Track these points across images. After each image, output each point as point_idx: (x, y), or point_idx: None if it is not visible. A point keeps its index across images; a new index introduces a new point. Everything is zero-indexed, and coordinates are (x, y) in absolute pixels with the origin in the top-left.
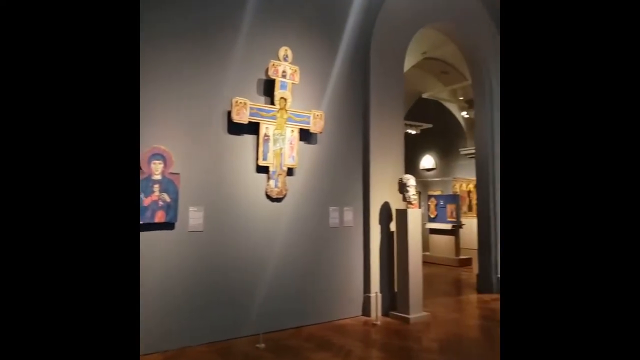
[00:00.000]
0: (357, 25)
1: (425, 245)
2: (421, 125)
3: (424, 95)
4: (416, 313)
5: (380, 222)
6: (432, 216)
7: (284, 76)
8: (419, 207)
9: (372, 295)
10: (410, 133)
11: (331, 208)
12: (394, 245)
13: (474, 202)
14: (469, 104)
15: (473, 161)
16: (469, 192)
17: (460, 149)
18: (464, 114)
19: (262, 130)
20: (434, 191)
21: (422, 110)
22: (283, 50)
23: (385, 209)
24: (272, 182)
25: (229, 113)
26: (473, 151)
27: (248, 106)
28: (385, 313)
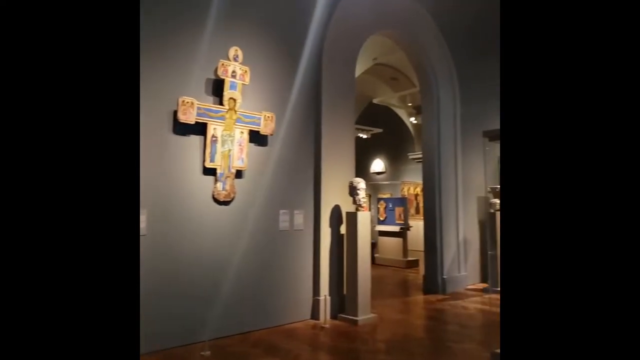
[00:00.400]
0: (310, 29)
1: (375, 247)
2: (372, 130)
3: (375, 101)
4: (364, 315)
5: (331, 225)
6: (381, 219)
7: (233, 76)
8: (369, 210)
9: (321, 298)
10: (361, 137)
11: (281, 211)
12: (343, 248)
13: (421, 204)
14: (417, 110)
15: (420, 165)
16: (417, 195)
17: (408, 154)
18: (413, 119)
19: (210, 131)
20: (384, 194)
21: (372, 115)
22: (233, 50)
23: (336, 212)
24: (219, 185)
25: (175, 113)
26: (421, 156)
27: (195, 106)
28: (334, 316)
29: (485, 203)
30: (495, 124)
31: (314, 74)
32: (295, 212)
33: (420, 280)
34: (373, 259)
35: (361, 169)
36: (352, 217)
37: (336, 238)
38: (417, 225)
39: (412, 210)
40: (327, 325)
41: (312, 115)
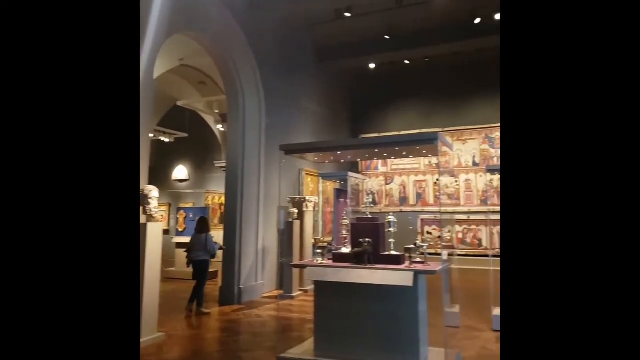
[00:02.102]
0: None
1: (171, 261)
2: (176, 134)
3: (179, 103)
4: (149, 335)
5: None
6: (180, 230)
7: None
8: (167, 220)
9: None
10: (163, 141)
11: None
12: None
13: None
14: (223, 118)
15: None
16: (222, 204)
17: (215, 162)
18: (220, 127)
19: None
20: (187, 203)
21: (177, 118)
22: None
23: None
24: None
25: None
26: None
27: None
28: None
29: (284, 212)
30: (295, 139)
31: None
32: None
33: (217, 292)
34: (171, 273)
35: (162, 176)
36: (141, 229)
37: None
38: (219, 236)
39: (216, 220)
40: None
41: None
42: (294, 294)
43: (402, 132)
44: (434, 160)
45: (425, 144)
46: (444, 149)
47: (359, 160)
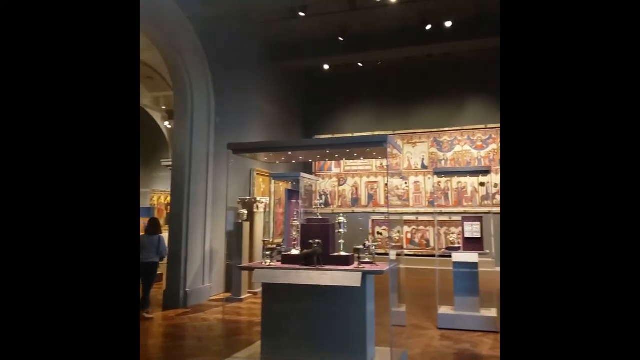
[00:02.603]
0: None
1: None
2: None
3: None
4: None
5: None
6: None
7: None
8: None
9: None
10: None
11: None
12: None
13: None
14: (170, 115)
15: None
16: (167, 205)
17: (161, 160)
18: (167, 124)
19: None
20: None
21: None
22: None
23: None
24: None
25: None
26: None
27: None
28: None
29: (234, 213)
30: (246, 138)
31: None
32: None
33: (161, 295)
34: None
35: None
36: None
37: None
38: (165, 237)
39: (162, 221)
40: None
41: None
42: (242, 297)
43: (355, 134)
44: (385, 162)
45: (375, 147)
46: (394, 151)
47: (310, 161)
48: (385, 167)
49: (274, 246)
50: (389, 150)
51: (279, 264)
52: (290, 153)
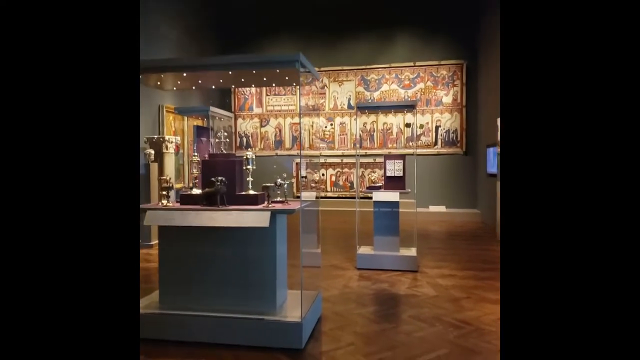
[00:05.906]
0: None
1: None
2: None
3: None
4: None
5: None
6: None
7: None
8: None
9: None
10: None
11: None
12: None
13: None
14: None
15: None
16: None
17: None
18: None
19: None
20: None
21: None
22: None
23: None
24: None
25: None
26: None
27: None
28: None
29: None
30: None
31: None
32: None
33: None
34: None
35: None
36: None
37: None
38: None
39: None
40: None
41: None
42: (152, 242)
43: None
44: (310, 101)
45: (285, 67)
46: (315, 85)
47: (231, 92)
48: (312, 107)
49: (170, 185)
50: (302, 75)
51: (177, 205)
52: (185, 75)
